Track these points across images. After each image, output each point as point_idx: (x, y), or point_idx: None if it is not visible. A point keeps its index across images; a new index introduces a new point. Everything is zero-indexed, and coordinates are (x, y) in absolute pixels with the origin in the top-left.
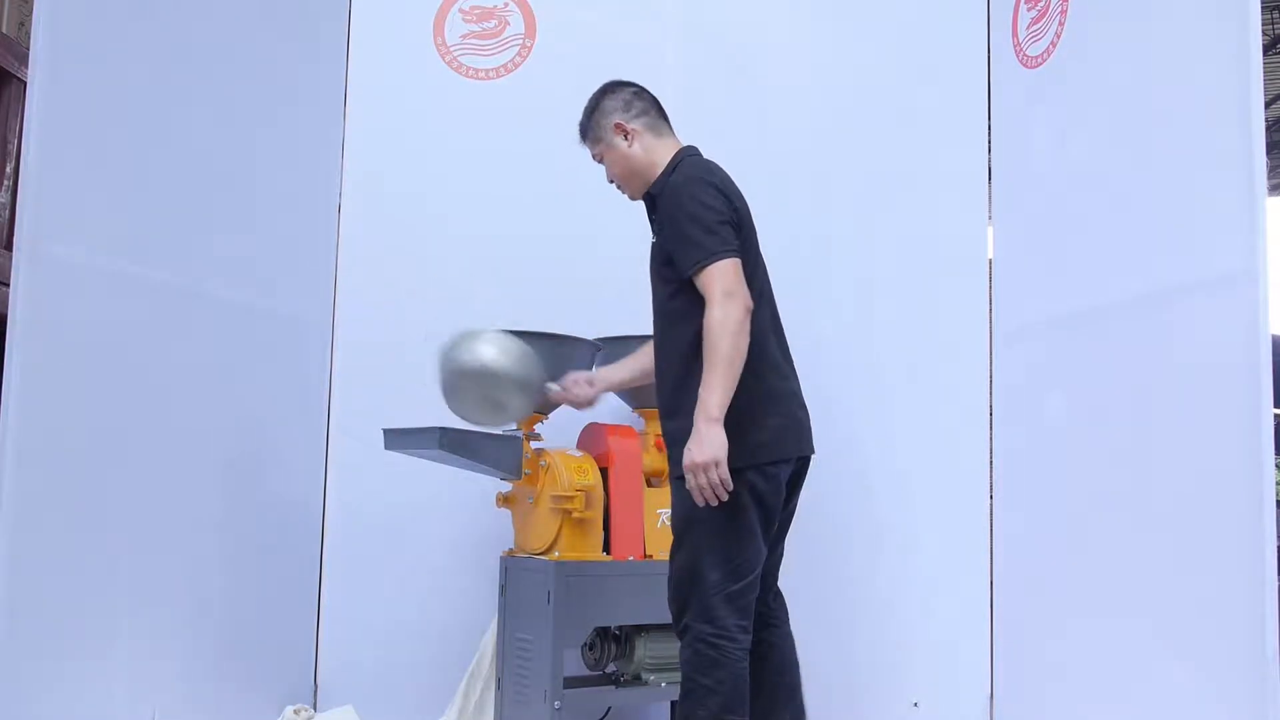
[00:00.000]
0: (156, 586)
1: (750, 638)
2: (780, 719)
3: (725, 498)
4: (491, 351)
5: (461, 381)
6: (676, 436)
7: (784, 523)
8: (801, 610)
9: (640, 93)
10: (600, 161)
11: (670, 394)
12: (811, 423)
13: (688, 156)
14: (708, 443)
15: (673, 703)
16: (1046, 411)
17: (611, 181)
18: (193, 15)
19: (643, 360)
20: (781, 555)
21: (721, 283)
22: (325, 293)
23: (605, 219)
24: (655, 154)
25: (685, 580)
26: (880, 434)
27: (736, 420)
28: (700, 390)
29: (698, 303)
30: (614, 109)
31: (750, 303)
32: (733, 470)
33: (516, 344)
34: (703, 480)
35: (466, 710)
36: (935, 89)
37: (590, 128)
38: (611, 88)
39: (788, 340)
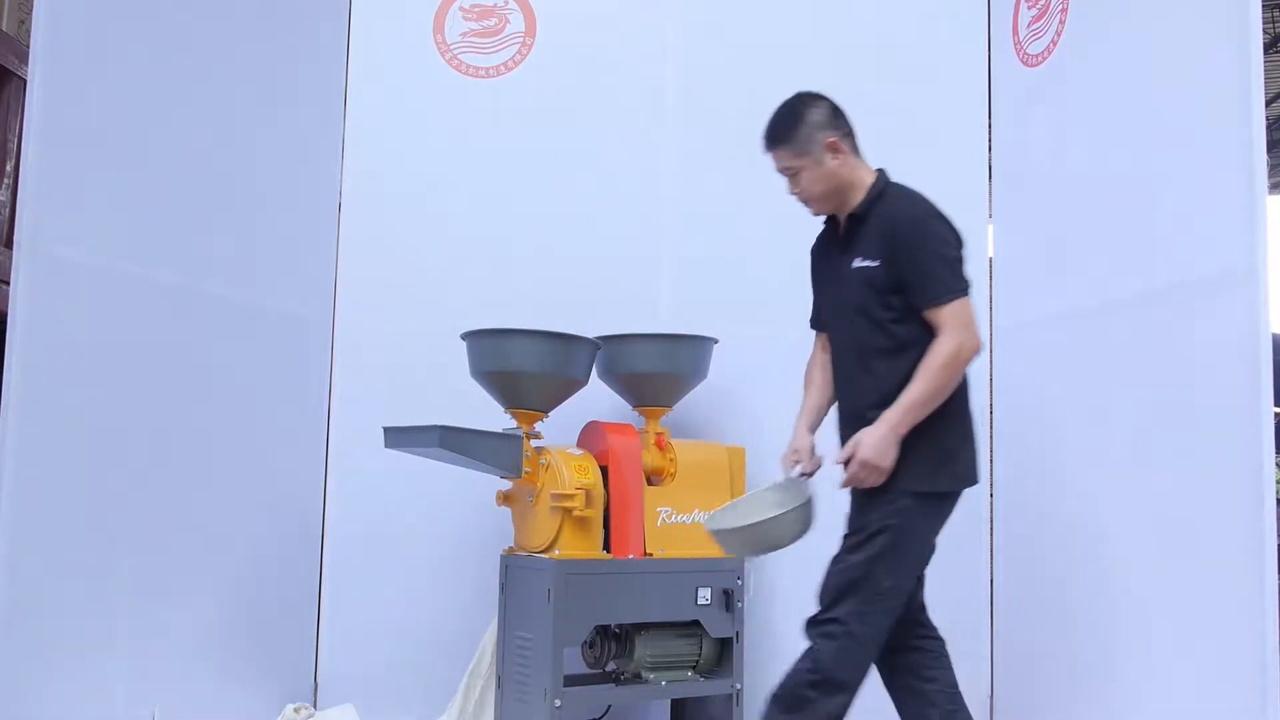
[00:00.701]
0: (156, 585)
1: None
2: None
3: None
4: (796, 530)
5: (760, 549)
6: (903, 476)
7: None
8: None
9: (838, 108)
10: (789, 175)
11: (870, 402)
12: None
13: (894, 181)
14: (887, 452)
15: (674, 701)
16: (1047, 409)
17: (796, 194)
18: (192, 14)
19: (818, 395)
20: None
21: (961, 319)
22: (325, 291)
23: (605, 217)
24: (857, 173)
25: (857, 579)
26: None
27: (949, 448)
28: (902, 400)
29: (923, 333)
30: (823, 123)
31: (980, 345)
32: (940, 494)
33: (804, 510)
34: (863, 475)
35: (467, 708)
36: (936, 87)
37: (795, 140)
38: (811, 99)
39: None
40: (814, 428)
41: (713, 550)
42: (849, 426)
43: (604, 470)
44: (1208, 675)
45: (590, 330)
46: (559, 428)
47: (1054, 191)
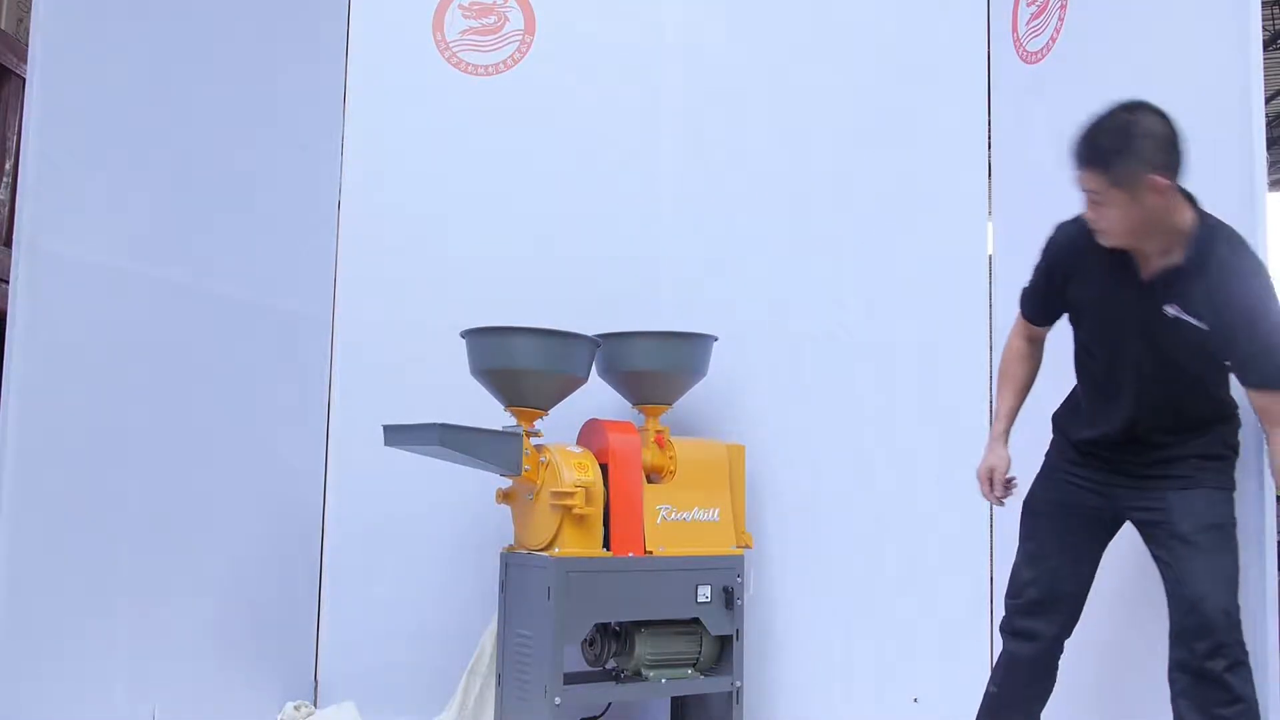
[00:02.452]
0: (156, 583)
1: None
2: None
3: None
4: None
5: None
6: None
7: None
8: (804, 608)
9: (1175, 133)
10: (1094, 200)
11: (1225, 423)
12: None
13: (1218, 223)
14: None
15: (674, 699)
16: (1045, 408)
17: (1092, 221)
18: (192, 12)
19: (1015, 396)
20: None
21: None
22: (325, 289)
23: (605, 214)
24: (1179, 215)
25: (1234, 600)
26: (881, 431)
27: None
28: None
29: (1222, 381)
30: (1154, 157)
31: None
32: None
33: None
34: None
35: (466, 706)
36: (935, 85)
37: (1121, 164)
38: (1146, 120)
39: None
40: (1007, 436)
41: (713, 548)
42: (1112, 446)
43: (604, 468)
44: None
45: (590, 328)
46: (559, 426)
47: (1054, 188)
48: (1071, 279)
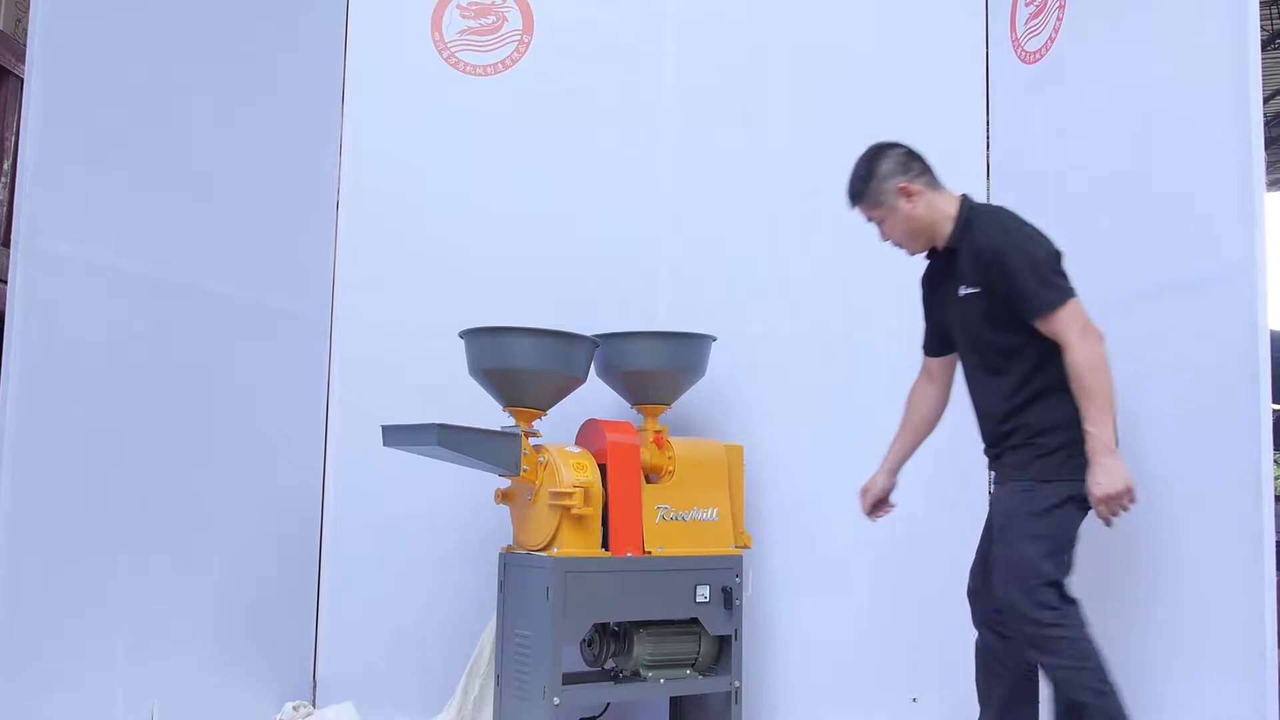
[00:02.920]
0: (155, 583)
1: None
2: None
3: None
4: None
5: None
6: (1035, 444)
7: None
8: (803, 608)
9: (911, 152)
10: (875, 223)
11: (1012, 416)
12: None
13: (979, 204)
14: (1115, 473)
15: (673, 699)
16: None
17: (888, 241)
18: (190, 11)
19: (909, 437)
20: None
21: (1076, 322)
22: (324, 289)
23: (603, 214)
24: (938, 209)
25: (1025, 578)
26: (881, 430)
27: (1076, 438)
28: (1088, 427)
29: (1033, 340)
30: (893, 172)
31: (1103, 334)
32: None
33: None
34: (1113, 507)
35: (465, 706)
36: (934, 85)
37: (868, 193)
38: (881, 151)
39: None
40: (895, 469)
41: (711, 548)
42: (986, 423)
43: (602, 468)
44: (1208, 673)
45: (588, 328)
46: (557, 426)
47: (1052, 189)
48: (932, 304)
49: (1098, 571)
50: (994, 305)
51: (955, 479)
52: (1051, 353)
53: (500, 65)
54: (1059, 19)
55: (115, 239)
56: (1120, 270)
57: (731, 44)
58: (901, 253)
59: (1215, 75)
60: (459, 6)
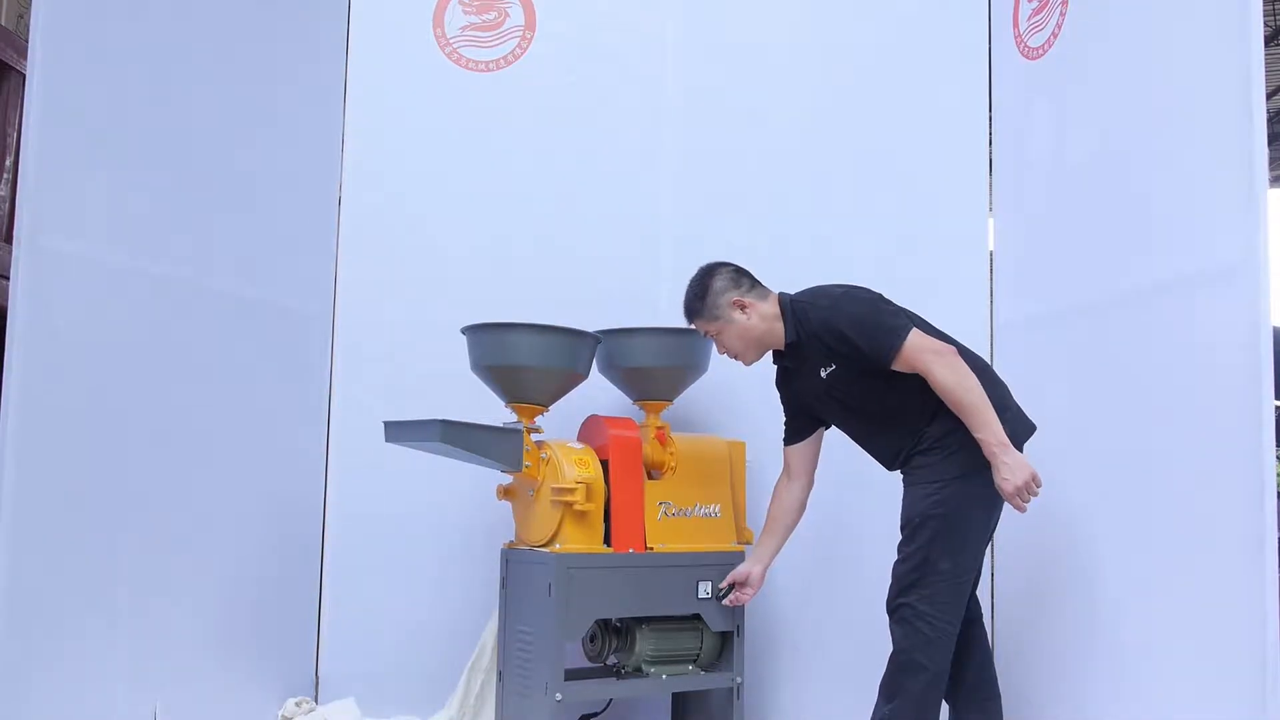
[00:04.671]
0: (157, 581)
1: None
2: (980, 709)
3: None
4: None
5: None
6: (926, 459)
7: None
8: (807, 605)
9: (739, 269)
10: (712, 338)
11: (915, 454)
12: None
13: (795, 296)
14: (1017, 467)
15: (675, 695)
16: (1046, 403)
17: (725, 353)
18: (192, 8)
19: (778, 536)
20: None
21: (925, 352)
22: (325, 285)
23: (605, 210)
24: (769, 315)
25: (916, 566)
26: None
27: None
28: (977, 435)
29: (901, 380)
30: (726, 288)
31: (951, 345)
32: (977, 471)
33: None
34: (1025, 497)
35: (467, 702)
36: (936, 81)
37: (705, 309)
38: (711, 271)
39: None
40: (766, 564)
41: (713, 544)
42: (890, 462)
43: (604, 464)
44: (1208, 671)
45: (591, 324)
46: (559, 422)
47: (1055, 184)
48: (792, 397)
49: (1098, 570)
50: (857, 372)
51: None
52: (925, 389)
53: (502, 61)
54: (1062, 15)
55: (117, 236)
56: (1122, 266)
57: (734, 39)
58: (895, 253)
59: (1218, 72)
60: (461, 2)
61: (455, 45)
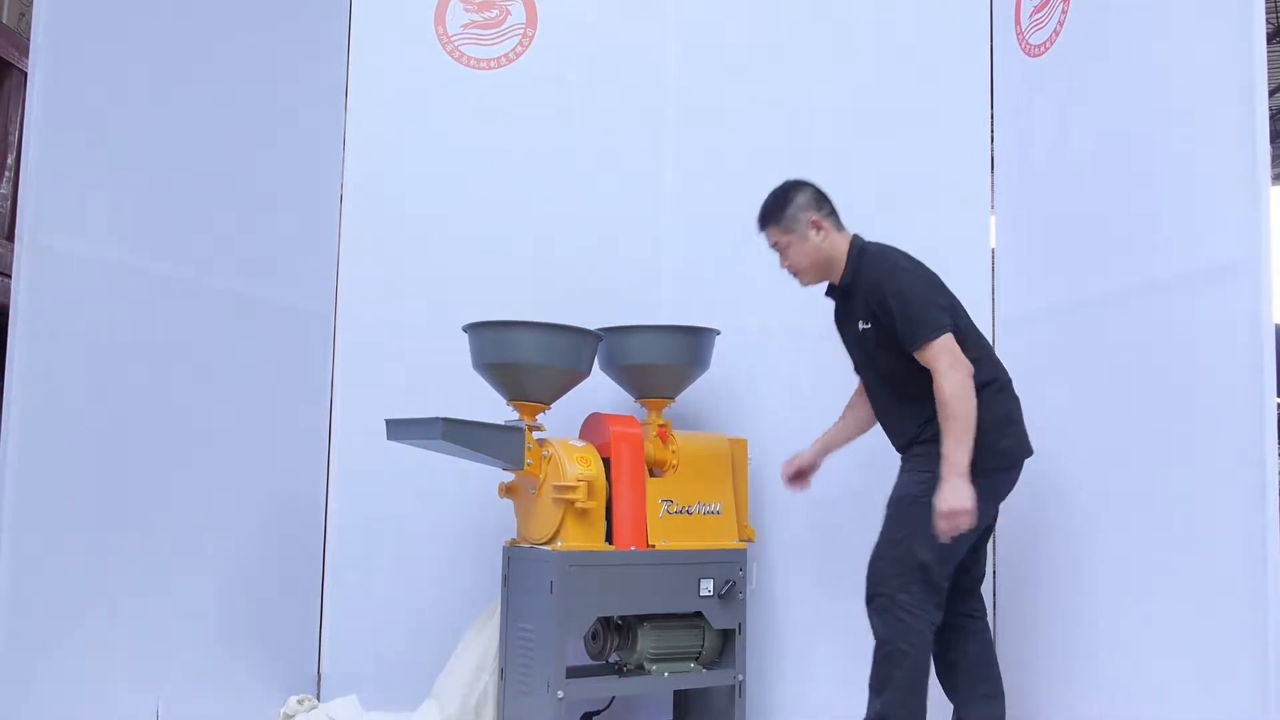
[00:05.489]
0: (160, 578)
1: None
2: (984, 705)
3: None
4: None
5: None
6: (928, 437)
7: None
8: (806, 601)
9: (821, 191)
10: (779, 250)
11: (921, 436)
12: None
13: (870, 245)
14: (961, 495)
15: (677, 692)
16: (1048, 400)
17: (786, 268)
18: (193, 7)
19: (839, 429)
20: (985, 553)
21: (946, 356)
22: (327, 284)
23: (607, 208)
24: (838, 247)
25: (897, 559)
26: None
27: (977, 433)
28: (945, 450)
29: (920, 366)
30: (807, 204)
31: (970, 367)
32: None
33: None
34: (953, 526)
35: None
36: (937, 79)
37: (783, 219)
38: (797, 185)
39: None
40: (824, 452)
41: (715, 542)
42: (897, 439)
43: (606, 462)
44: (1210, 669)
45: (592, 322)
46: (561, 420)
47: (1056, 182)
48: (844, 340)
49: (1099, 569)
50: (888, 337)
51: None
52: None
53: (504, 59)
54: (1064, 12)
55: (118, 234)
56: (1123, 263)
57: (735, 36)
58: (913, 245)
59: (1220, 69)
60: (462, 0)
61: (457, 43)
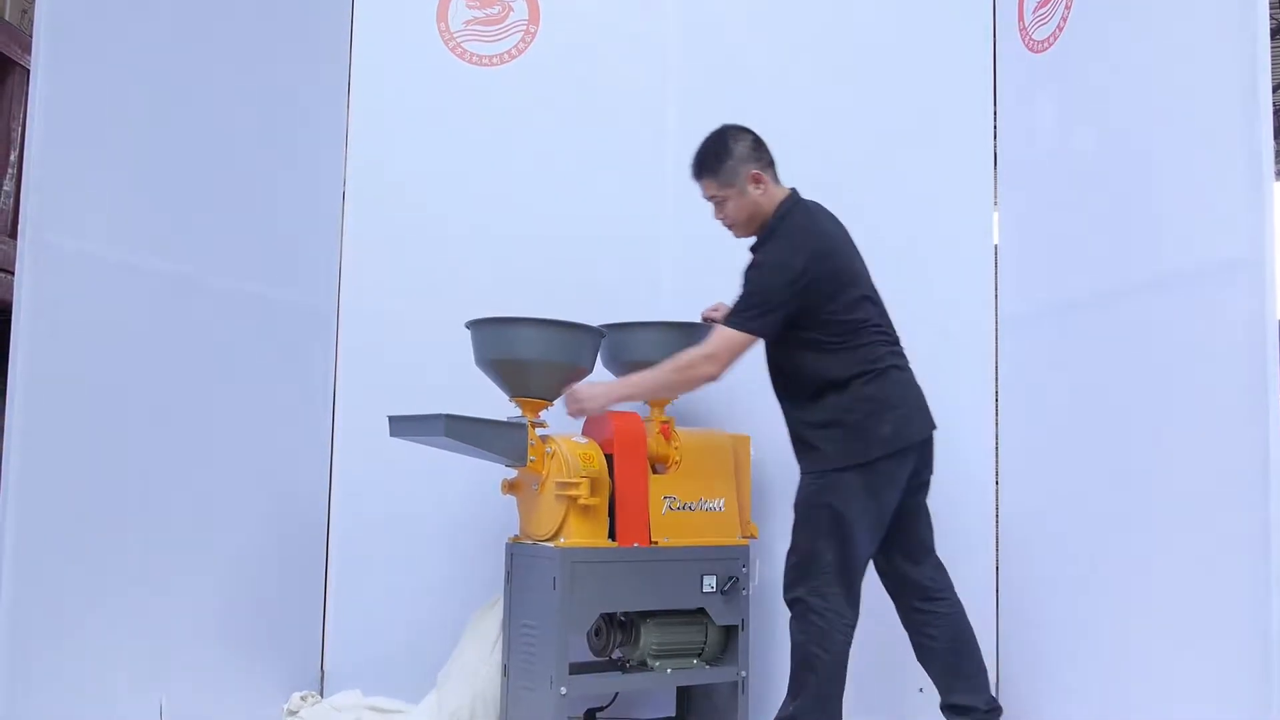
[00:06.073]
0: (162, 575)
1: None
2: (959, 687)
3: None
4: None
5: None
6: (809, 439)
7: (914, 508)
8: None
9: (759, 139)
10: (715, 202)
11: (801, 408)
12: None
13: (792, 207)
14: (592, 399)
15: (680, 688)
16: (1051, 397)
17: (721, 220)
18: (195, 3)
19: None
20: (928, 531)
21: (721, 346)
22: (329, 281)
23: (608, 204)
24: (773, 200)
25: (803, 559)
26: None
27: (851, 423)
28: (631, 378)
29: (792, 347)
30: (747, 155)
31: (714, 378)
32: (851, 468)
33: None
34: (571, 404)
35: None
36: (941, 74)
37: (721, 171)
38: (735, 132)
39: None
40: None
41: (718, 538)
42: (788, 418)
43: (609, 458)
44: (1213, 667)
45: (594, 318)
46: (564, 416)
47: (1059, 178)
48: None
49: (1100, 568)
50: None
51: (959, 473)
52: (814, 363)
53: (506, 55)
54: (1067, 7)
55: (121, 231)
56: (1127, 260)
57: (738, 33)
58: (899, 246)
59: (1223, 65)
60: None
61: (459, 39)
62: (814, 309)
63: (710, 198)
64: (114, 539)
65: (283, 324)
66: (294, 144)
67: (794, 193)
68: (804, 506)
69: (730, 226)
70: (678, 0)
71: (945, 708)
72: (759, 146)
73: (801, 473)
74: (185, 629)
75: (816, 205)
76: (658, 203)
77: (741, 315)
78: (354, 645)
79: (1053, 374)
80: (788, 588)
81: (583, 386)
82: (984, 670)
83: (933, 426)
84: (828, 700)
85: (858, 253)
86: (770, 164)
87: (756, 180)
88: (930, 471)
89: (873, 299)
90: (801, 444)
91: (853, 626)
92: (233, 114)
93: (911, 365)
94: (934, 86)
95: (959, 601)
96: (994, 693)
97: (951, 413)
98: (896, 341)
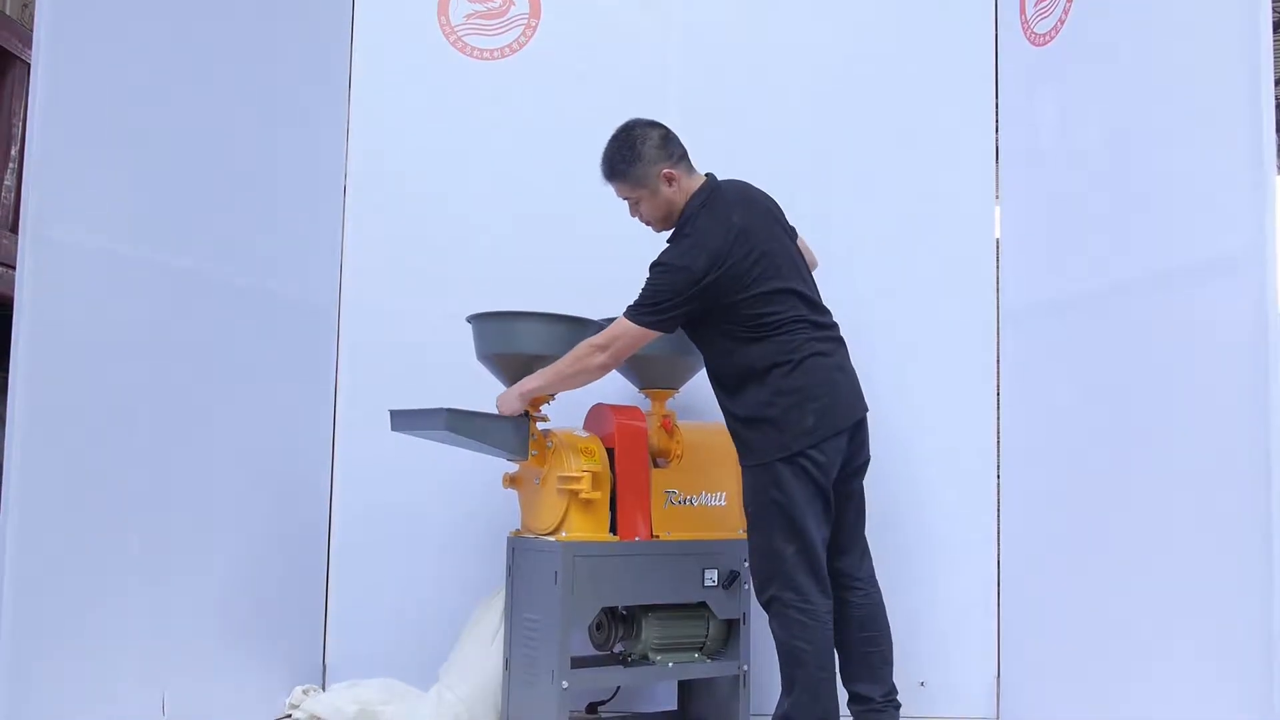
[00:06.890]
0: (164, 570)
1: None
2: (862, 676)
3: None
4: None
5: None
6: (741, 435)
7: (848, 494)
8: None
9: (669, 133)
10: (629, 203)
11: (730, 398)
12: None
13: (703, 203)
14: (506, 402)
15: (681, 682)
16: (1053, 392)
17: (637, 219)
18: None
19: None
20: (857, 518)
21: (618, 335)
22: (331, 274)
23: (610, 199)
24: (687, 194)
25: (765, 557)
26: (886, 417)
27: (772, 418)
28: (535, 374)
29: (709, 335)
30: (657, 155)
31: (606, 367)
32: (778, 461)
33: None
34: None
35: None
36: (942, 68)
37: (631, 174)
38: (642, 131)
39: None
40: None
41: (720, 532)
42: (722, 407)
43: (610, 453)
44: (1214, 665)
45: (595, 312)
46: (565, 410)
47: (1061, 172)
48: None
49: (1101, 567)
50: (701, 312)
51: (961, 469)
52: (735, 352)
53: (507, 49)
54: (1069, 1)
55: (122, 226)
56: (1128, 255)
57: (738, 27)
58: (900, 240)
59: (1225, 59)
60: None
61: (460, 33)
62: (723, 303)
63: (623, 198)
64: (115, 534)
65: (284, 317)
66: (296, 138)
67: (707, 182)
68: (753, 506)
69: (647, 224)
70: None
71: (848, 694)
72: (668, 141)
73: (741, 466)
74: (188, 623)
75: (736, 191)
76: None
77: (638, 309)
78: (356, 639)
79: (1054, 369)
80: (759, 590)
81: (502, 394)
82: (889, 662)
83: (863, 410)
84: (819, 689)
85: (784, 235)
86: (682, 157)
87: (669, 179)
88: (866, 456)
89: (793, 288)
90: (734, 437)
91: (830, 612)
92: (234, 109)
93: (914, 362)
94: (935, 81)
95: (879, 591)
96: (995, 681)
97: (953, 408)
98: (826, 326)
